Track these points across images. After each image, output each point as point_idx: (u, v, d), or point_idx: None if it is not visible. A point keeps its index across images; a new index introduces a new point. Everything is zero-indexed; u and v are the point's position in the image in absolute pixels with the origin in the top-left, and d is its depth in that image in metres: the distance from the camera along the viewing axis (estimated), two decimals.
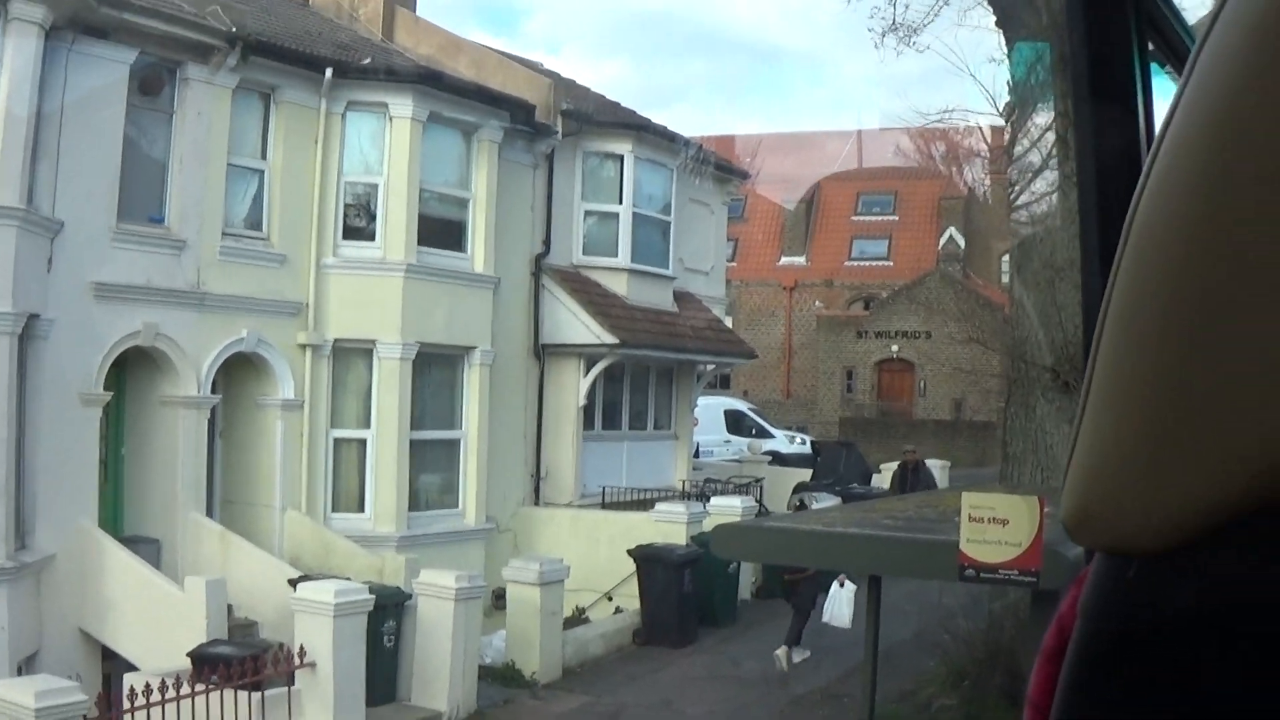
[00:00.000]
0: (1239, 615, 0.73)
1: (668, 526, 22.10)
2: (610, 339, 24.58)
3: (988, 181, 57.99)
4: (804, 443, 45.34)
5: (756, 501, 26.51)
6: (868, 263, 58.98)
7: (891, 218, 60.38)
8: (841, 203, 61.35)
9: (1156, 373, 0.77)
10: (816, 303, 57.59)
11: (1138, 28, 2.04)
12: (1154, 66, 2.13)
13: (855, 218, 60.74)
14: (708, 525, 22.21)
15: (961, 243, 57.64)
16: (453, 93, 22.56)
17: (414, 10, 27.87)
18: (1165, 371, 0.76)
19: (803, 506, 22.55)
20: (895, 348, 53.67)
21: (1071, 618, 0.85)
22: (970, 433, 49.37)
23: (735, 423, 45.21)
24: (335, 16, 26.47)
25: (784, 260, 59.92)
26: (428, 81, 22.16)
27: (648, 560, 20.70)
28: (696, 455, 36.11)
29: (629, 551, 21.05)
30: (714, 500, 24.38)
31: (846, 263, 59.50)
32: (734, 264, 58.71)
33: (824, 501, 26.68)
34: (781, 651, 19.30)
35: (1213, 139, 0.74)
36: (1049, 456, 16.86)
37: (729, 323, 58.71)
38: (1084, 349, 0.89)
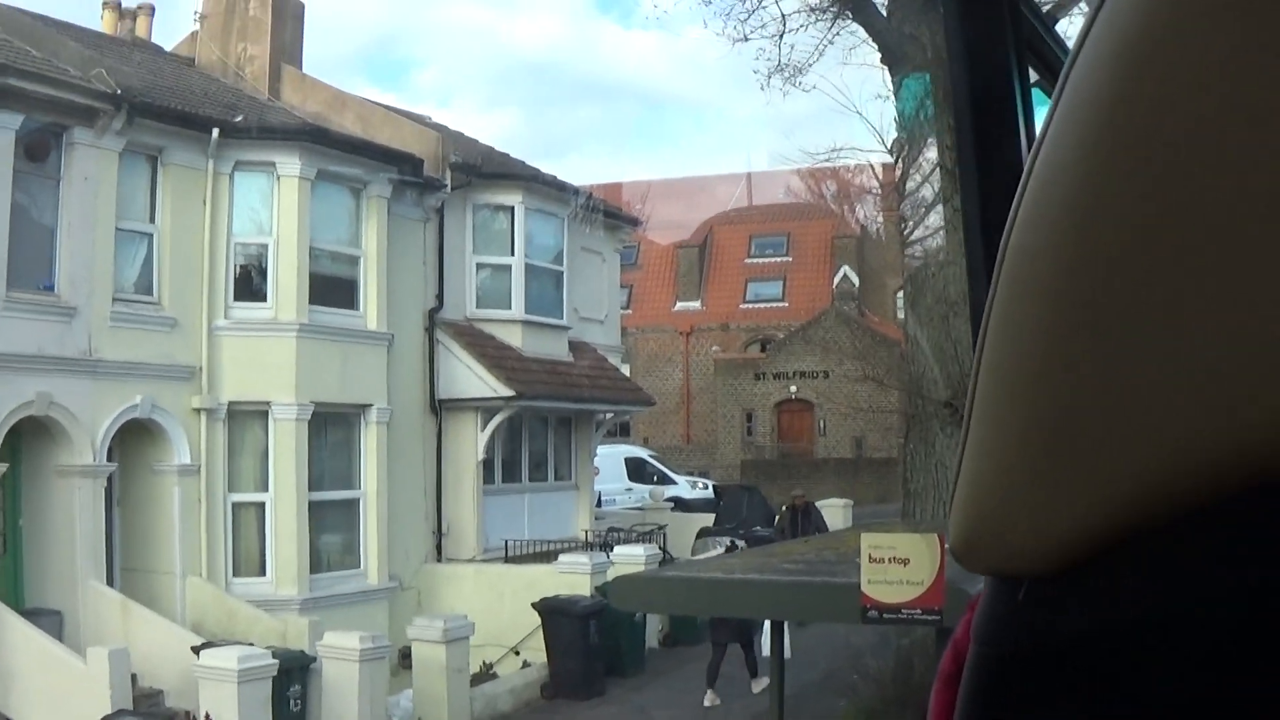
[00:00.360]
0: (1129, 635, 0.73)
1: (572, 578, 21.97)
2: (506, 391, 24.48)
3: (880, 218, 58.65)
4: (706, 488, 45.28)
5: (660, 549, 26.47)
6: (763, 304, 59.17)
7: (785, 259, 60.63)
8: (734, 246, 61.58)
9: (1036, 391, 0.77)
10: (714, 346, 57.67)
11: (1018, 55, 2.05)
12: (1036, 93, 2.14)
13: (749, 260, 60.94)
14: (611, 575, 22.16)
15: (856, 280, 57.87)
16: (339, 149, 22.48)
17: (300, 67, 27.69)
18: (1044, 390, 0.76)
19: (733, 548, 22.36)
20: (794, 388, 53.73)
21: (966, 641, 0.85)
22: (872, 470, 49.59)
23: (636, 470, 45.15)
24: (221, 76, 26.31)
25: (679, 305, 60.03)
26: (314, 138, 22.05)
27: (552, 613, 20.52)
28: (599, 504, 36.06)
29: (534, 605, 20.89)
30: (617, 550, 24.30)
31: (742, 305, 59.68)
32: (629, 311, 58.60)
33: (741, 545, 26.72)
34: (707, 697, 19.32)
35: (1085, 152, 0.74)
36: (950, 491, 17.02)
37: (626, 370, 58.77)
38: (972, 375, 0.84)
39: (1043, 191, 0.77)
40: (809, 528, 24.21)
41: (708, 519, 32.55)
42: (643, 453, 47.22)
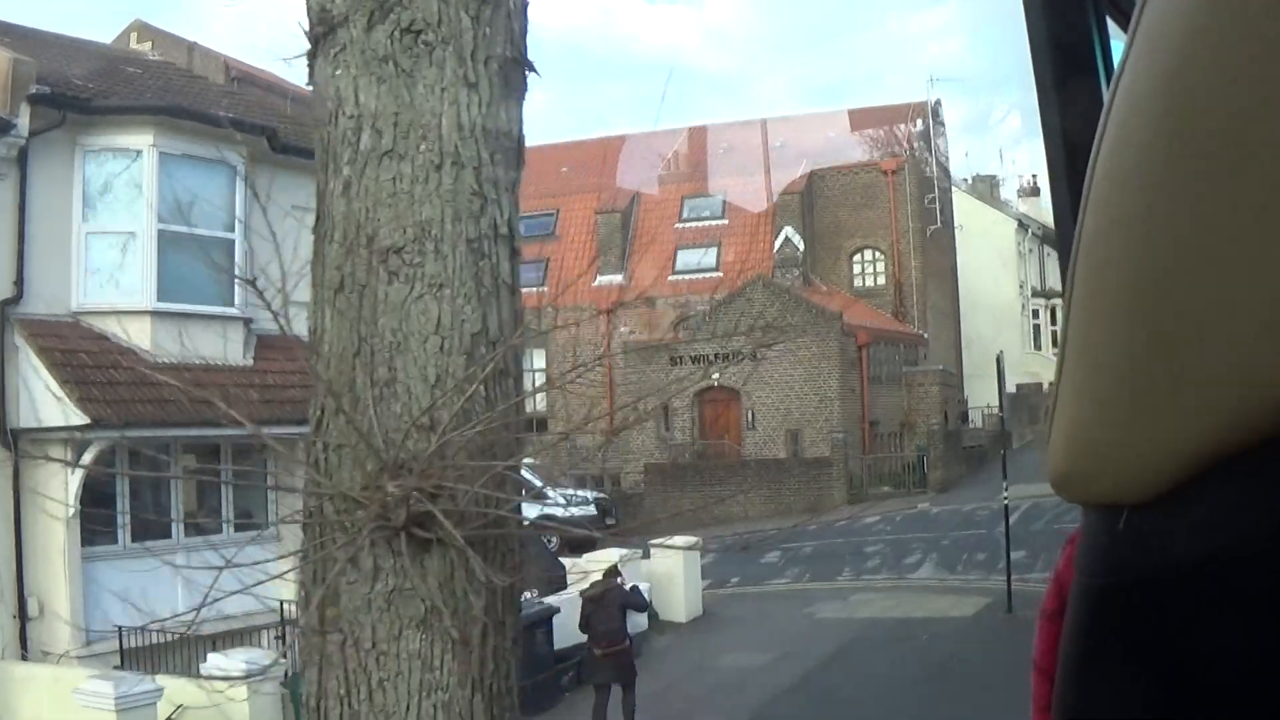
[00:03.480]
0: (1231, 559, 0.71)
1: (91, 716, 14.25)
2: (81, 418, 16.82)
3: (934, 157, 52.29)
4: (588, 502, 37.49)
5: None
6: (694, 275, 50.91)
7: (720, 222, 52.83)
8: (663, 209, 53.70)
9: (1131, 319, 0.76)
10: (621, 327, 49.55)
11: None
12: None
13: (679, 225, 53.00)
14: (166, 708, 14.62)
15: (800, 244, 49.82)
16: None
17: None
18: (1139, 317, 0.75)
19: None
20: (715, 375, 45.23)
21: (1069, 575, 0.85)
22: (804, 474, 41.90)
23: None
24: None
25: (600, 279, 52.15)
26: None
27: None
28: None
29: None
30: (211, 658, 16.39)
31: (670, 277, 51.76)
32: (544, 289, 51.35)
33: None
34: None
35: (1167, 88, 0.74)
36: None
37: (541, 359, 51.44)
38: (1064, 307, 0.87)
39: (1127, 122, 0.77)
40: None
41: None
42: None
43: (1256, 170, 0.67)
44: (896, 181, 52.01)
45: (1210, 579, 0.71)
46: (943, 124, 56.88)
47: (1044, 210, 76.59)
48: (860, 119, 55.74)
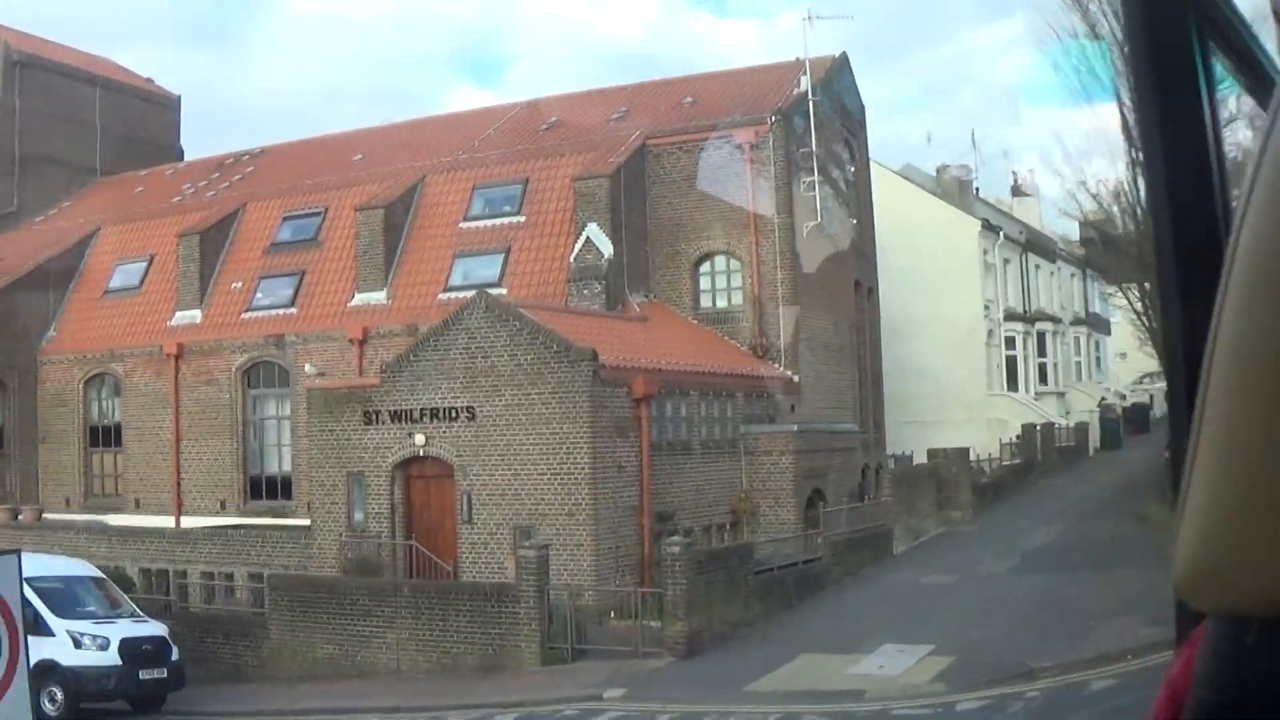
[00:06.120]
0: None
1: None
2: None
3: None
4: (104, 646, 24.23)
5: None
6: (472, 293, 37.24)
7: (515, 219, 39.48)
8: (448, 205, 40.91)
9: None
10: (307, 366, 36.03)
11: (1199, 29, 1.91)
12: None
13: (465, 224, 40.01)
14: None
15: (606, 249, 36.11)
16: None
17: None
18: None
19: None
20: (421, 438, 31.03)
21: (1184, 682, 0.77)
22: (478, 609, 26.52)
23: None
24: None
25: (359, 298, 39.71)
26: None
27: None
28: None
29: None
30: None
31: (442, 295, 38.28)
32: (293, 310, 39.24)
33: None
34: None
35: None
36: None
37: (287, 404, 39.01)
38: (1177, 378, 0.85)
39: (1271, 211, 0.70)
40: None
41: None
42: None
43: None
44: (757, 159, 37.93)
45: None
46: (847, 83, 42.43)
47: (1037, 213, 61.95)
48: (733, 81, 42.41)
